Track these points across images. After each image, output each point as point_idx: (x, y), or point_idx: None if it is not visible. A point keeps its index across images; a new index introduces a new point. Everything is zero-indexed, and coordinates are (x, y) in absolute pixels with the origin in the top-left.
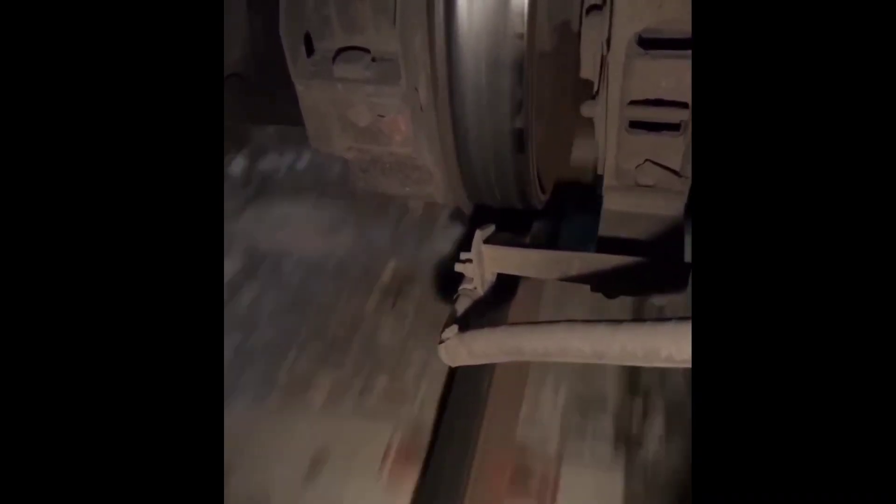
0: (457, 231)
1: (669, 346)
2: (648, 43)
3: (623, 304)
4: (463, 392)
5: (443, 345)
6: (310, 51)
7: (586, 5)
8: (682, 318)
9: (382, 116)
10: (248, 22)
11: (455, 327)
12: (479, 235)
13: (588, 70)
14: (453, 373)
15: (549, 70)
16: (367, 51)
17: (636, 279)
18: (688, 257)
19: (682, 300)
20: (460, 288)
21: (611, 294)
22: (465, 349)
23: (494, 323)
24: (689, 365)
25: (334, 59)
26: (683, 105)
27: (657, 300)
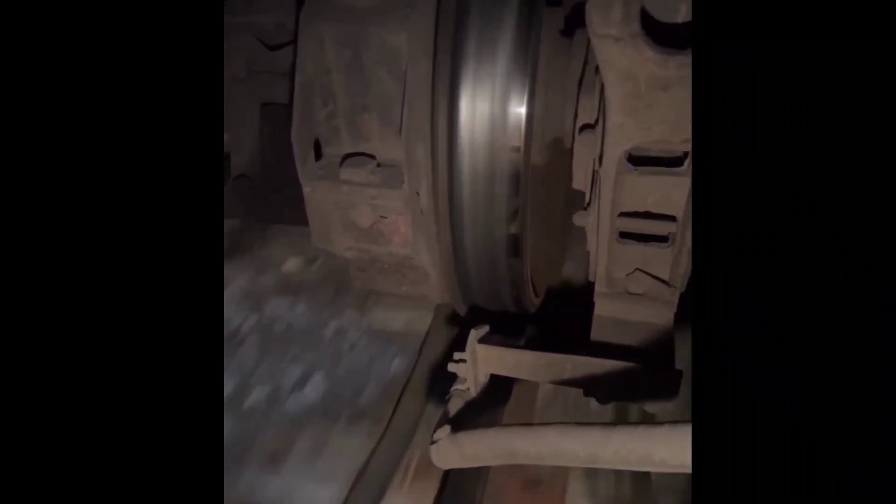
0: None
1: (662, 451)
2: (637, 160)
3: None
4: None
5: (434, 446)
6: (318, 156)
7: (579, 124)
8: (674, 423)
9: (384, 218)
10: (259, 129)
11: (447, 428)
12: (473, 335)
13: (580, 182)
14: (445, 476)
15: (544, 180)
16: (372, 157)
17: (628, 385)
18: (679, 365)
19: (672, 407)
20: (453, 388)
21: (603, 399)
22: (457, 451)
23: (487, 424)
24: (681, 470)
25: (341, 163)
26: (671, 218)
27: (648, 407)
